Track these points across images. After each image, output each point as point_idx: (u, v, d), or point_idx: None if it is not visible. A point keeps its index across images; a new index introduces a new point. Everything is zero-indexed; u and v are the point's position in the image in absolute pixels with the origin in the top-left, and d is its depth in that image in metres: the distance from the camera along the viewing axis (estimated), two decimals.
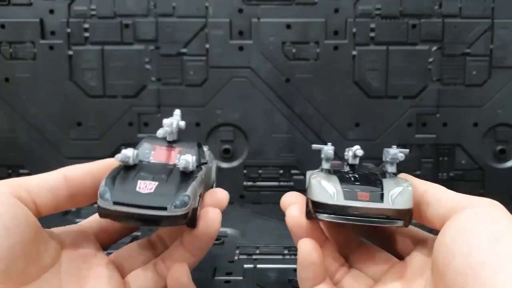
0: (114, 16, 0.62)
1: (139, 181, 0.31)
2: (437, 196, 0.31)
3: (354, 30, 0.62)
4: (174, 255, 0.34)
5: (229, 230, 0.55)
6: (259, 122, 0.64)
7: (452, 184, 0.64)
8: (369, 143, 0.64)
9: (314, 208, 0.31)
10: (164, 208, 0.30)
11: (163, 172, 0.32)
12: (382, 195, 0.31)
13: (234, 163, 0.65)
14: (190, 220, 0.31)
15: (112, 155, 0.64)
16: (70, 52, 0.63)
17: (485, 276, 0.23)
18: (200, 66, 0.63)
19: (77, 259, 0.32)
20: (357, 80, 0.63)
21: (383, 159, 0.36)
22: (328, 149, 0.35)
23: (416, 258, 0.32)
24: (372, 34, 0.62)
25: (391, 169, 0.34)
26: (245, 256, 0.49)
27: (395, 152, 0.34)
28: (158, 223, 0.31)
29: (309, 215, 0.32)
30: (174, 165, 0.34)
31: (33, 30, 0.62)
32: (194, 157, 0.33)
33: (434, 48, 0.63)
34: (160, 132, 0.36)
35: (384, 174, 0.34)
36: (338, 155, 0.38)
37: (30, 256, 0.29)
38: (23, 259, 0.28)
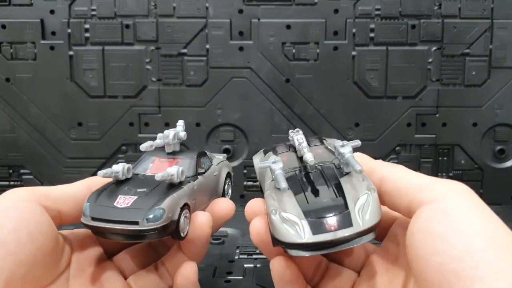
0: (114, 16, 0.62)
1: (119, 196, 0.31)
2: (397, 185, 0.29)
3: (353, 30, 0.62)
4: (173, 258, 0.34)
5: (229, 230, 0.55)
6: (259, 122, 0.64)
7: None
8: (368, 143, 0.64)
9: (283, 246, 0.28)
10: (136, 223, 0.29)
11: (150, 185, 0.32)
12: (349, 215, 0.28)
13: (234, 163, 0.65)
14: (174, 232, 0.31)
15: (112, 155, 0.65)
16: (71, 53, 0.63)
17: (461, 287, 0.22)
18: (200, 66, 0.63)
19: (84, 262, 0.33)
20: (357, 80, 0.63)
21: (336, 155, 0.33)
22: (276, 169, 0.31)
23: (392, 244, 0.31)
24: (371, 35, 0.62)
25: (347, 169, 0.31)
26: (245, 256, 0.49)
27: (347, 156, 0.30)
28: (133, 238, 0.30)
29: (276, 245, 0.29)
30: None
31: (33, 30, 0.62)
32: (181, 168, 0.33)
33: (434, 48, 0.63)
34: (157, 142, 0.35)
35: (339, 167, 0.32)
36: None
37: (48, 264, 0.29)
38: (42, 266, 0.29)
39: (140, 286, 0.34)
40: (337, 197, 0.29)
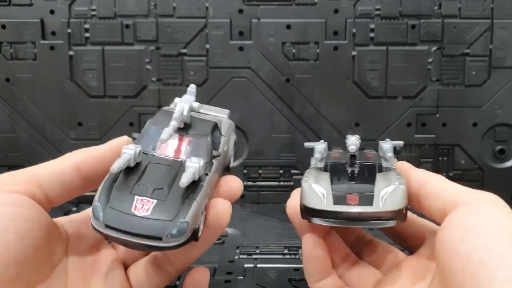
0: (114, 16, 0.62)
1: (135, 198, 0.28)
2: (436, 189, 0.30)
3: (353, 30, 0.62)
4: (180, 251, 0.33)
5: (229, 230, 0.55)
6: (259, 122, 0.64)
7: None
8: (369, 143, 0.64)
9: (306, 212, 0.31)
10: (159, 238, 0.27)
11: (166, 180, 0.29)
12: (372, 197, 0.30)
13: (234, 163, 0.65)
14: (192, 238, 0.29)
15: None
16: (71, 53, 0.63)
17: (483, 274, 0.23)
18: (200, 66, 0.63)
19: (83, 252, 0.32)
20: (357, 80, 0.63)
21: (378, 151, 0.36)
22: (319, 148, 0.35)
23: (425, 252, 0.32)
24: (371, 35, 0.62)
25: (386, 163, 0.34)
26: (245, 256, 0.49)
27: (386, 150, 0.34)
28: (152, 250, 0.30)
29: (303, 215, 0.32)
30: (181, 163, 0.30)
31: (33, 30, 0.62)
32: (202, 162, 0.29)
33: (434, 48, 0.63)
34: (174, 125, 0.31)
35: (381, 168, 0.34)
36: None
37: (41, 258, 0.28)
38: (34, 262, 0.28)
39: (138, 276, 0.33)
40: (368, 184, 0.32)
